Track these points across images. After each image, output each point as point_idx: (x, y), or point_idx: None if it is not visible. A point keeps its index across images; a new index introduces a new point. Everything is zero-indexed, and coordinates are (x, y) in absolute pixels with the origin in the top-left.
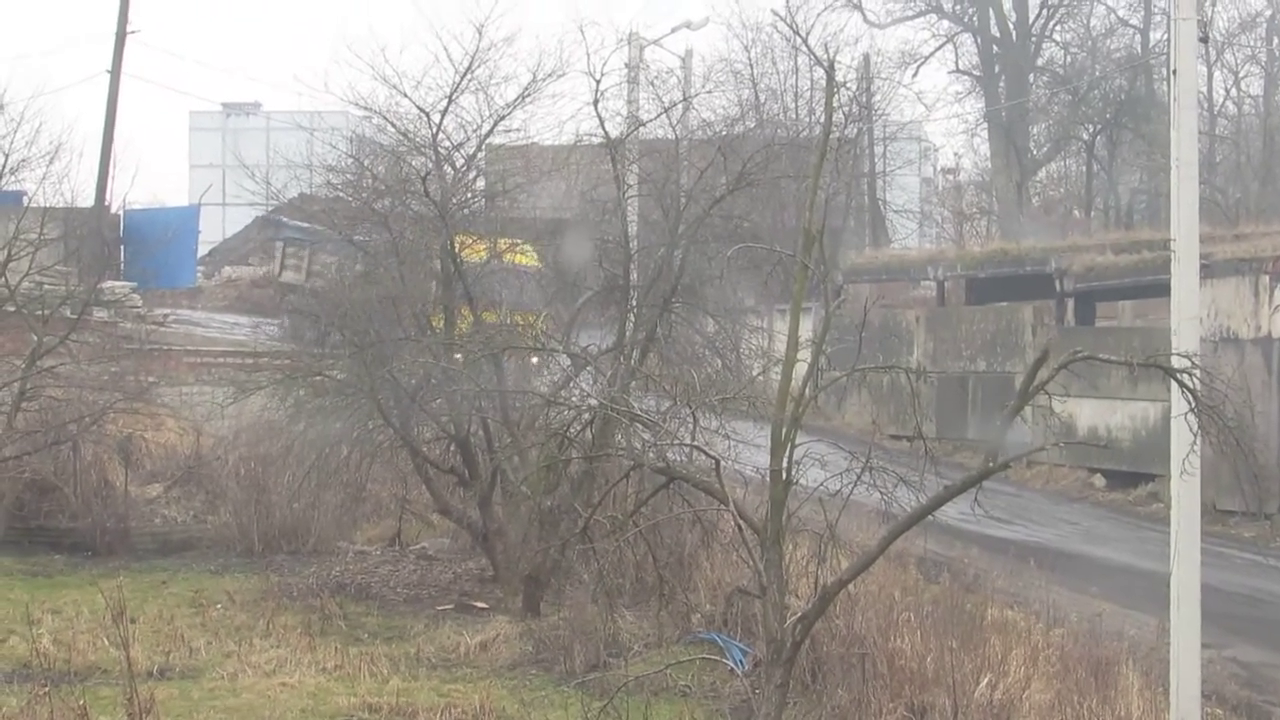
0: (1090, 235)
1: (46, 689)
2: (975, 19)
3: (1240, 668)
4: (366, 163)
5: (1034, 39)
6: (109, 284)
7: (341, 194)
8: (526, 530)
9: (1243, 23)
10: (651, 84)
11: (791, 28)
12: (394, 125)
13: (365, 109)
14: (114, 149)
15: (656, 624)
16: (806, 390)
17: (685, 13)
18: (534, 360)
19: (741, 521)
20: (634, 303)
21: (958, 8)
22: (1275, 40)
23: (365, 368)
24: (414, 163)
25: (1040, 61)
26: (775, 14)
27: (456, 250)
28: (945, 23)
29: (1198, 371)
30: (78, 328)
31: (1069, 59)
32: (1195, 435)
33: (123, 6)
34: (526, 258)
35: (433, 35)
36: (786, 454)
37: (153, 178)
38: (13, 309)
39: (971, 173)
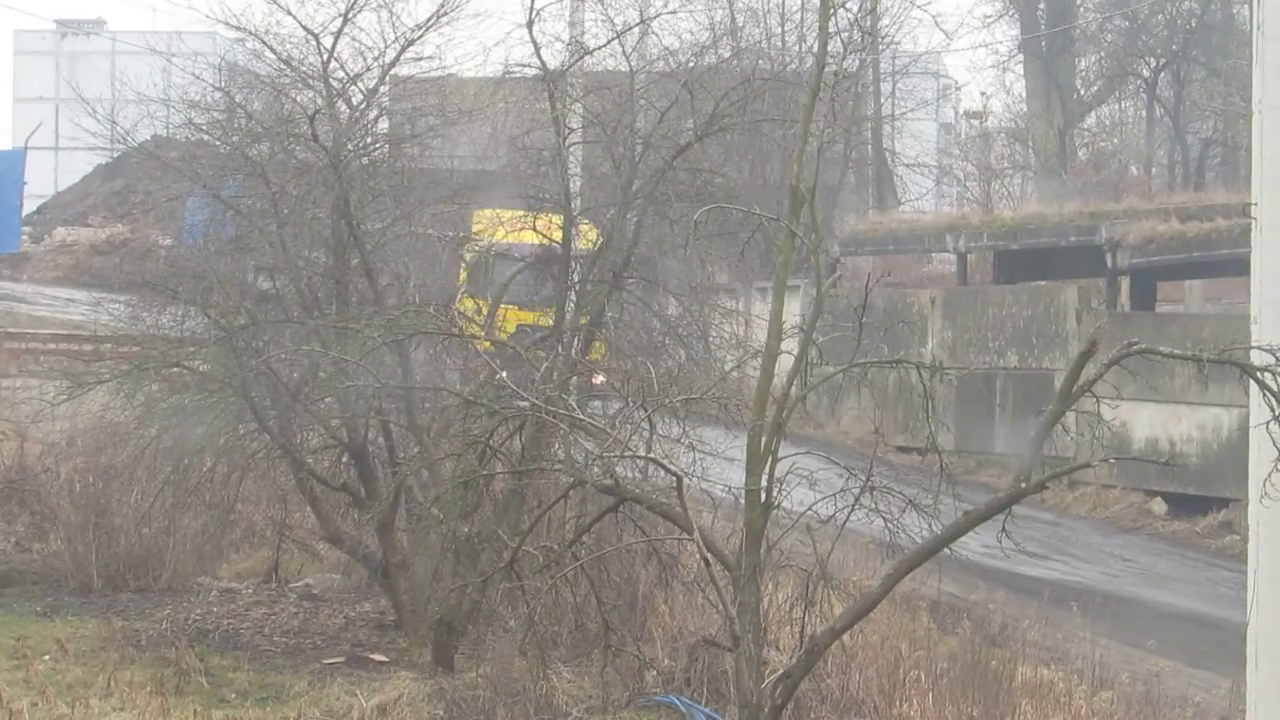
0: (1151, 198)
1: None
2: None
3: None
4: (239, 98)
5: None
6: None
7: (207, 137)
8: (438, 564)
9: None
10: (600, 1)
11: None
12: (274, 50)
13: (238, 29)
14: None
15: (601, 683)
16: (792, 390)
17: None
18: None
19: (709, 554)
20: (576, 278)
21: None
22: None
23: (235, 357)
24: (299, 98)
25: None
26: None
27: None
28: None
29: None
30: None
31: None
32: None
33: None
34: (584, 239)
35: None
36: (766, 470)
37: None
38: None
39: (1003, 118)
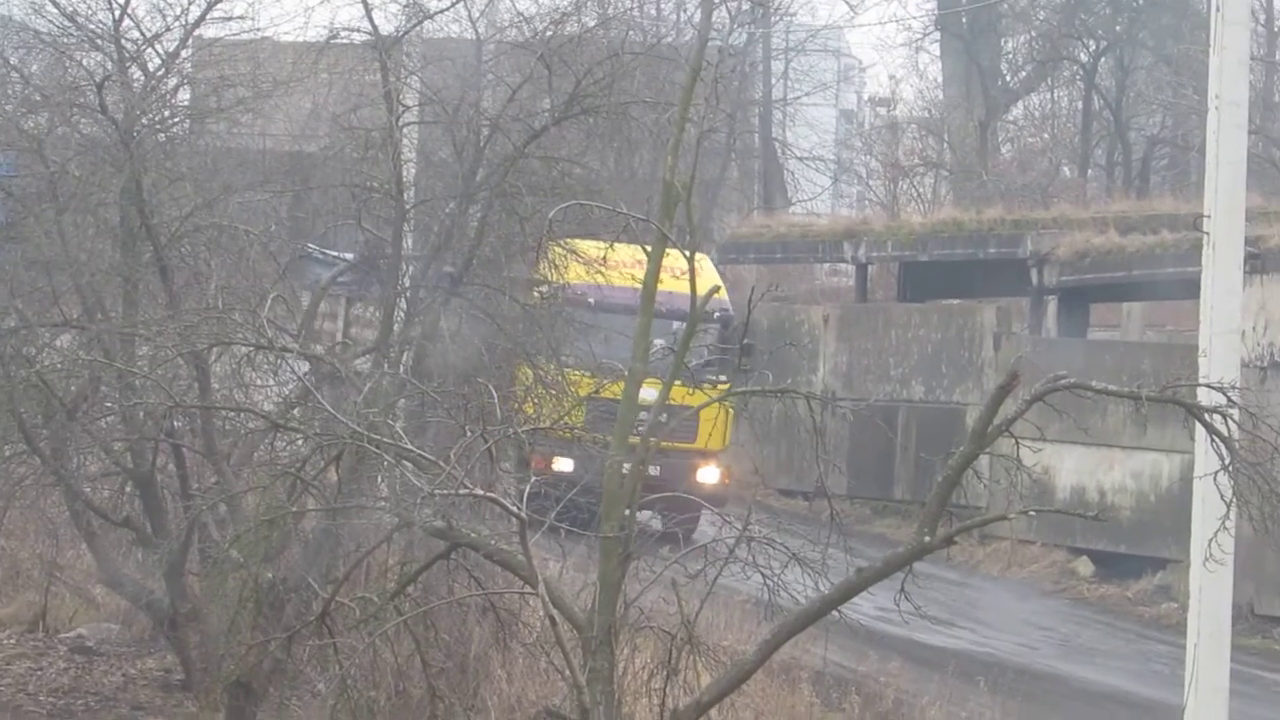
0: (1086, 205)
1: None
2: None
3: None
4: (14, 59)
5: None
6: None
7: None
8: (235, 615)
9: None
10: None
11: None
12: (56, 4)
13: None
14: None
15: None
16: (659, 420)
17: None
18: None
19: (555, 612)
20: (407, 281)
21: None
22: None
23: (1, 366)
24: (85, 62)
25: None
26: None
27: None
28: None
29: (1235, 411)
30: None
31: None
32: (1228, 505)
33: None
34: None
35: None
36: (627, 515)
37: None
38: None
39: (914, 106)
